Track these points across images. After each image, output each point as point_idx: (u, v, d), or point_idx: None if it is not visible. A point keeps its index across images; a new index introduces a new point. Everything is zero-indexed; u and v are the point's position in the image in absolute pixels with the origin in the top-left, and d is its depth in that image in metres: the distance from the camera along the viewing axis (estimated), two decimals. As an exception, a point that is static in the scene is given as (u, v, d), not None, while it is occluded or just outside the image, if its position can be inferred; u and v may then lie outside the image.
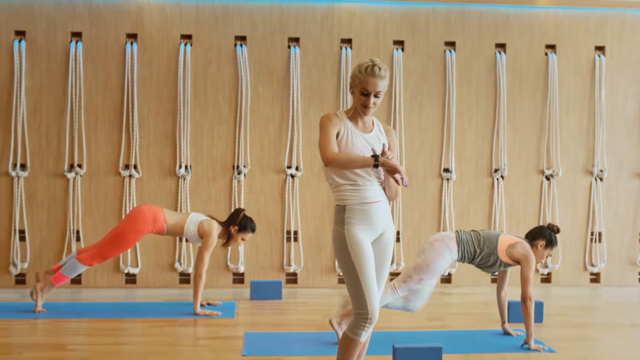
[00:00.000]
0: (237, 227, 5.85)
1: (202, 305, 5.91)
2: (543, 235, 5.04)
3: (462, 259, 4.92)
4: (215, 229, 5.80)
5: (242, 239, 5.93)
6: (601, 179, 7.35)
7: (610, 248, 7.38)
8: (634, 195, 7.40)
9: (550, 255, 5.15)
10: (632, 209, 7.40)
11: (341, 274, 3.49)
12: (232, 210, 6.65)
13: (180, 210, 6.90)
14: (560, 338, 5.16)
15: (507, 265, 4.97)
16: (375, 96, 3.47)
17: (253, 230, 5.95)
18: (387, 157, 3.37)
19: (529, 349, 4.78)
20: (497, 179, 7.26)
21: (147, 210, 5.74)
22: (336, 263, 6.94)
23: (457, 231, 4.97)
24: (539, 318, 5.58)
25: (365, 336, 3.38)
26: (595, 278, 7.41)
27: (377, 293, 3.40)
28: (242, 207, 6.87)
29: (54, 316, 5.60)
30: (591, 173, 7.34)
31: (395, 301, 4.80)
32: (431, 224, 7.21)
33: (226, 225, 5.88)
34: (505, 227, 7.21)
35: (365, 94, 3.45)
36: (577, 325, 5.69)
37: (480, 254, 4.90)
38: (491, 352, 4.78)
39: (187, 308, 5.90)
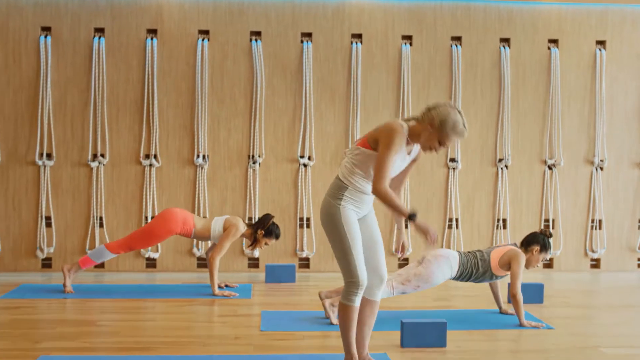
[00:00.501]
0: (263, 232, 6.20)
1: (219, 287, 6.26)
2: (537, 241, 5.35)
3: (459, 278, 5.28)
4: (241, 224, 6.15)
5: (266, 244, 6.28)
6: (601, 169, 7.64)
7: (610, 235, 7.67)
8: (633, 184, 7.69)
9: (546, 260, 5.46)
10: (631, 198, 7.69)
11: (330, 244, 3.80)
12: (254, 210, 7.01)
13: (197, 199, 7.24)
14: (559, 316, 5.47)
15: (498, 277, 5.30)
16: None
17: (277, 237, 6.29)
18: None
19: (520, 325, 5.10)
20: (502, 169, 7.56)
21: (179, 213, 6.12)
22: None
23: (460, 253, 5.27)
24: (539, 299, 5.90)
25: (358, 301, 3.73)
26: (596, 263, 7.70)
27: (364, 262, 3.75)
28: (257, 195, 7.21)
29: (81, 296, 5.95)
30: (592, 163, 7.63)
31: (385, 294, 5.10)
32: (438, 212, 7.52)
33: (254, 228, 6.23)
34: (509, 214, 7.52)
35: (442, 144, 3.68)
36: (575, 305, 6.00)
37: (476, 273, 5.25)
38: (493, 328, 5.10)
39: (206, 290, 6.24)
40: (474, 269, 5.23)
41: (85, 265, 6.06)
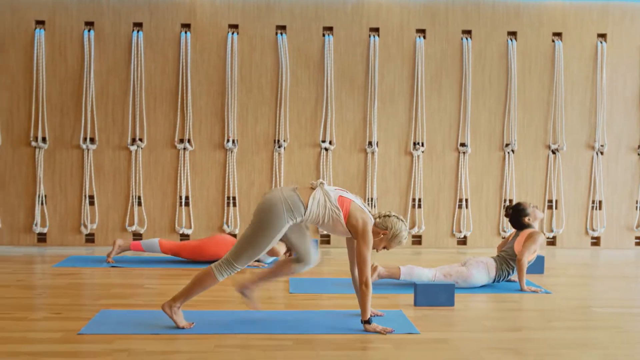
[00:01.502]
0: None
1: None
2: (526, 214, 6.00)
3: (498, 280, 5.89)
4: None
5: None
6: (602, 153, 8.20)
7: (609, 215, 8.25)
8: (631, 168, 8.25)
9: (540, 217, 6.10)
10: (630, 180, 8.26)
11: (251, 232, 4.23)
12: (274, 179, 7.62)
13: (227, 180, 7.87)
14: (557, 284, 6.06)
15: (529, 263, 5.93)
16: None
17: None
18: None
19: (521, 290, 5.71)
20: (508, 153, 8.14)
21: (228, 241, 6.67)
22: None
23: (495, 260, 5.86)
24: (539, 269, 6.49)
25: (222, 279, 4.29)
26: (596, 242, 8.28)
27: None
28: (282, 177, 7.84)
29: (124, 265, 6.59)
30: (593, 148, 8.20)
31: (426, 279, 5.72)
32: (449, 193, 8.12)
33: None
34: (515, 195, 8.10)
35: (386, 248, 4.51)
36: (573, 275, 6.59)
37: (513, 272, 5.89)
38: (496, 292, 5.70)
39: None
40: (510, 270, 5.84)
41: (134, 249, 6.68)
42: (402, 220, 4.49)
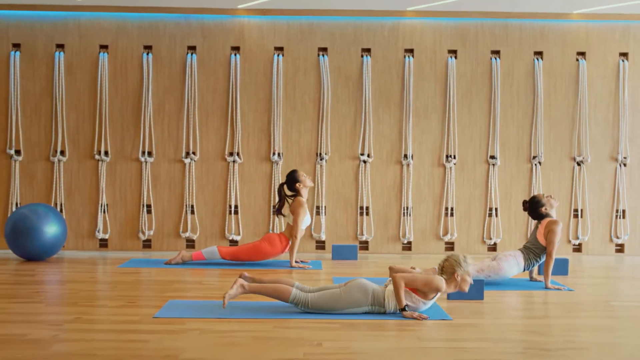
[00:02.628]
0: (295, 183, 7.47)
1: (295, 261, 7.50)
2: (542, 204, 6.54)
3: (528, 268, 6.45)
4: (304, 204, 7.36)
5: (304, 186, 7.45)
6: (625, 165, 8.69)
7: (633, 223, 8.72)
8: (653, 179, 8.75)
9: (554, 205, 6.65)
10: (652, 190, 8.75)
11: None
12: (321, 199, 8.26)
13: (273, 190, 8.52)
14: (580, 284, 6.58)
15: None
16: None
17: (296, 172, 7.48)
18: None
19: (545, 287, 6.24)
20: (535, 165, 8.67)
21: (284, 240, 7.35)
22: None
23: (522, 252, 6.43)
24: (564, 271, 7.00)
25: (290, 301, 5.05)
26: (620, 248, 8.75)
27: None
28: (324, 187, 8.47)
29: (181, 266, 7.24)
30: (616, 160, 8.69)
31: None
32: (479, 202, 8.67)
33: (289, 187, 7.47)
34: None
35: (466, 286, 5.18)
36: (595, 277, 7.10)
37: (540, 259, 6.44)
38: (521, 289, 6.24)
39: (285, 263, 7.50)
40: (537, 258, 6.40)
41: (196, 259, 7.34)
42: (457, 258, 5.15)
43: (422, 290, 5.01)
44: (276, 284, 5.16)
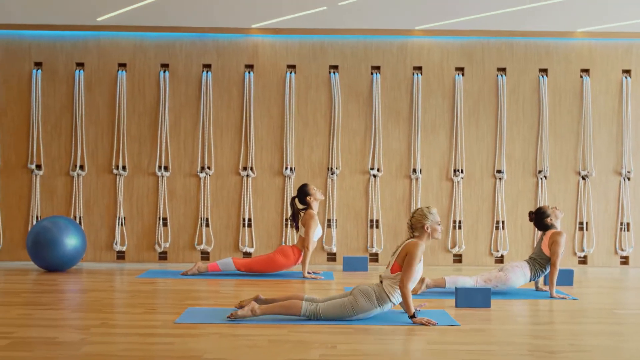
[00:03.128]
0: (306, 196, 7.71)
1: (308, 272, 7.72)
2: (547, 215, 6.75)
3: (533, 278, 6.68)
4: (315, 217, 7.60)
5: (315, 199, 7.69)
6: (629, 179, 8.91)
7: (637, 235, 8.91)
8: (656, 192, 8.95)
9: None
10: (655, 204, 8.95)
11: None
12: (332, 212, 8.50)
13: (285, 203, 8.76)
14: (584, 293, 6.78)
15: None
16: None
17: (307, 186, 7.70)
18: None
19: (550, 296, 6.44)
20: (541, 179, 8.89)
21: (297, 252, 7.60)
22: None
23: (529, 263, 6.66)
24: (569, 282, 7.19)
25: (302, 314, 5.19)
26: (625, 260, 8.94)
27: None
28: (335, 200, 8.70)
29: (198, 277, 7.48)
30: (620, 174, 8.91)
31: (469, 286, 6.51)
32: (487, 215, 8.89)
33: (300, 200, 7.68)
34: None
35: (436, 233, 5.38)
36: (600, 287, 7.30)
37: (545, 270, 6.65)
38: (527, 298, 6.45)
39: (297, 274, 7.73)
40: (543, 268, 6.62)
41: (211, 270, 7.58)
42: (422, 211, 5.37)
43: (412, 266, 5.24)
44: (285, 301, 5.30)
